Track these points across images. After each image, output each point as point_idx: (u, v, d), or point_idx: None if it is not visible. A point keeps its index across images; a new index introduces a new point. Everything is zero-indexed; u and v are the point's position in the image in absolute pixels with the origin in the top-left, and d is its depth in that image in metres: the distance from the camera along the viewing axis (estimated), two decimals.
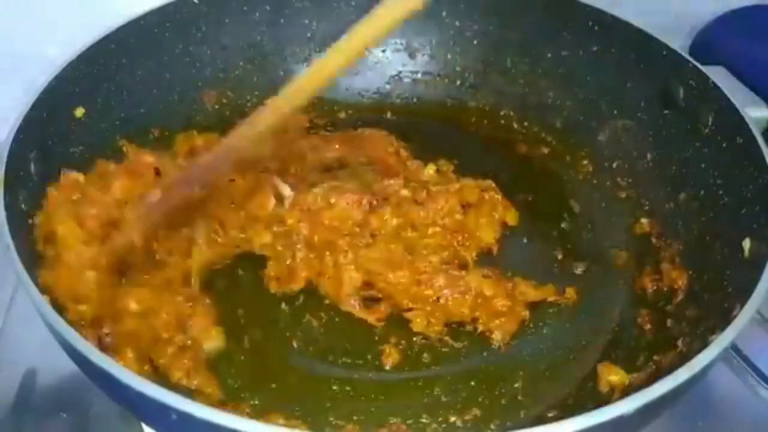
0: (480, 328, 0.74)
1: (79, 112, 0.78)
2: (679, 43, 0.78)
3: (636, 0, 0.85)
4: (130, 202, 0.73)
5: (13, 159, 0.67)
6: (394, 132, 0.93)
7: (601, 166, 0.90)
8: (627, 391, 0.67)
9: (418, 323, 0.74)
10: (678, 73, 0.82)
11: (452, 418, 0.68)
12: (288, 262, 0.78)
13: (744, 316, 0.57)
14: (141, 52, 0.85)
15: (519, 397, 0.70)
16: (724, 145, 0.74)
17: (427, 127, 0.99)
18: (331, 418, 0.67)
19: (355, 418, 0.67)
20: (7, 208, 0.62)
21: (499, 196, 0.85)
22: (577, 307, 0.78)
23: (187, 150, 0.88)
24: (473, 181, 0.85)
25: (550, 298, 0.78)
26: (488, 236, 0.82)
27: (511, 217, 0.85)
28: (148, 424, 0.67)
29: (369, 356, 0.73)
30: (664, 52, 0.82)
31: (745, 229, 0.68)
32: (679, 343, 0.67)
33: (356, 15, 0.95)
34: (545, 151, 0.95)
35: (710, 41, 1.16)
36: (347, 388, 0.70)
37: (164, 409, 0.50)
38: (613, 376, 0.69)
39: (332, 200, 0.80)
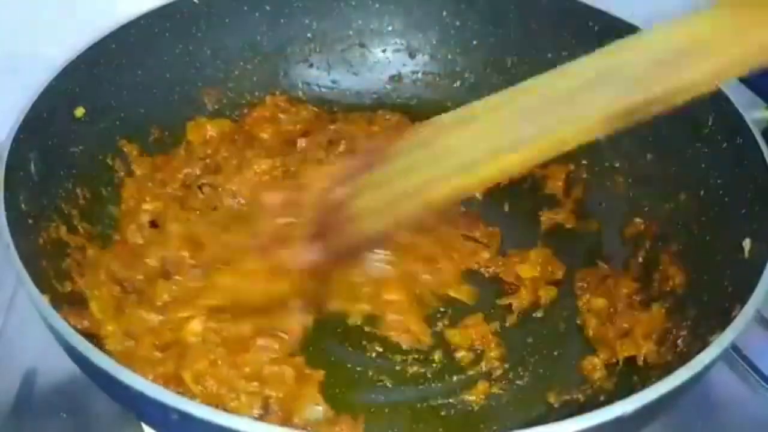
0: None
1: (79, 112, 0.78)
2: None
3: (636, 0, 0.85)
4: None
5: (13, 159, 0.67)
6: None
7: (601, 166, 0.90)
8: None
9: None
10: None
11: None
12: None
13: (744, 316, 0.57)
14: (141, 52, 0.85)
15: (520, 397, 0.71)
16: (724, 145, 0.74)
17: None
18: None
19: None
20: (7, 208, 0.62)
21: None
22: None
23: (201, 141, 0.89)
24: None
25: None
26: None
27: None
28: (148, 424, 0.67)
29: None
30: None
31: (745, 229, 0.67)
32: (679, 343, 0.67)
33: (356, 15, 0.98)
34: None
35: None
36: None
37: (164, 409, 0.50)
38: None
39: None
